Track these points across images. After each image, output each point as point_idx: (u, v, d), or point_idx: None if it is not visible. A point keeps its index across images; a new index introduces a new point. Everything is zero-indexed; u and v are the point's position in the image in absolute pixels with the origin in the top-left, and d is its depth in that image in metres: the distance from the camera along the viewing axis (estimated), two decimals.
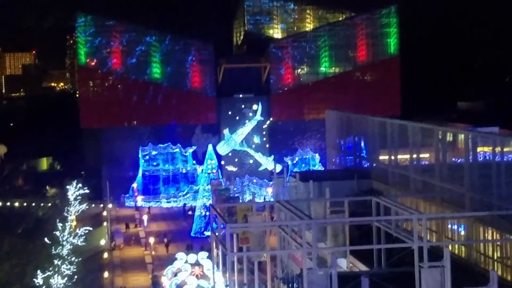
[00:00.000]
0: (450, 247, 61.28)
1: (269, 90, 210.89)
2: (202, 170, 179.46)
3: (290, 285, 72.68)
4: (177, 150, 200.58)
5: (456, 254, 71.22)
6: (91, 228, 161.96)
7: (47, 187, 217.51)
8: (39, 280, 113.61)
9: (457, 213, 75.48)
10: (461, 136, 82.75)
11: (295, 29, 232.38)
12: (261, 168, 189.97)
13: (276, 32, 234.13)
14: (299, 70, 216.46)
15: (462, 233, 77.13)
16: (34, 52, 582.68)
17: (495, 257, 69.16)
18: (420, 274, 54.76)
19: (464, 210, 74.41)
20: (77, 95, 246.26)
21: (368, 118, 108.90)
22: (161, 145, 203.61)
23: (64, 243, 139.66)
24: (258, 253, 79.91)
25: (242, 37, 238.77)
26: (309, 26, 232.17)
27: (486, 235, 71.69)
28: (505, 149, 74.87)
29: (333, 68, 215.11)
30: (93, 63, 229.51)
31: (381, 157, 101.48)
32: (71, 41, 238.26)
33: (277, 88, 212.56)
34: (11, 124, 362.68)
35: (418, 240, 61.24)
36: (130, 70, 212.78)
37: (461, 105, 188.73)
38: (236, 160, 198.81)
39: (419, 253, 58.20)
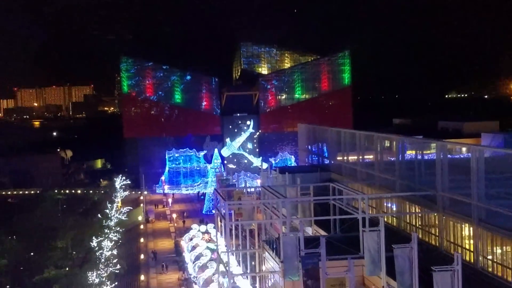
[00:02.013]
0: (385, 219, 62.63)
1: (258, 111, 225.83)
2: (210, 167, 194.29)
3: (271, 245, 71.16)
4: (193, 153, 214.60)
5: (388, 223, 73.73)
6: (131, 208, 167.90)
7: (101, 180, 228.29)
8: (94, 243, 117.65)
9: (389, 194, 77.22)
10: (394, 141, 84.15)
11: (277, 67, 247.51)
12: (252, 166, 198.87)
13: (263, 70, 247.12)
14: (280, 96, 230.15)
15: (394, 208, 79.17)
16: (92, 85, 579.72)
17: (417, 225, 71.63)
18: (363, 237, 55.57)
19: (394, 192, 75.64)
20: (121, 115, 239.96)
21: (328, 129, 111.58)
22: (181, 150, 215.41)
23: (112, 218, 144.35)
24: (249, 223, 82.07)
25: (239, 73, 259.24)
26: (287, 65, 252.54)
27: (410, 209, 73.52)
28: (424, 152, 78.72)
29: (304, 95, 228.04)
30: (133, 93, 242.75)
31: (337, 157, 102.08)
32: (118, 77, 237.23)
33: (264, 109, 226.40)
34: (76, 136, 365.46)
35: (362, 213, 63.85)
36: (159, 97, 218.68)
37: (395, 121, 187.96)
38: (235, 160, 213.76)
39: (362, 222, 60.21)
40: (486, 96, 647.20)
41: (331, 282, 49.94)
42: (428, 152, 78.99)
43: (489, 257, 55.67)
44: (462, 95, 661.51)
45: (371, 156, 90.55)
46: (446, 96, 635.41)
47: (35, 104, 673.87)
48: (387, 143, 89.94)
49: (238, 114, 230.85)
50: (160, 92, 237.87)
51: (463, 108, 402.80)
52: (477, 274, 53.35)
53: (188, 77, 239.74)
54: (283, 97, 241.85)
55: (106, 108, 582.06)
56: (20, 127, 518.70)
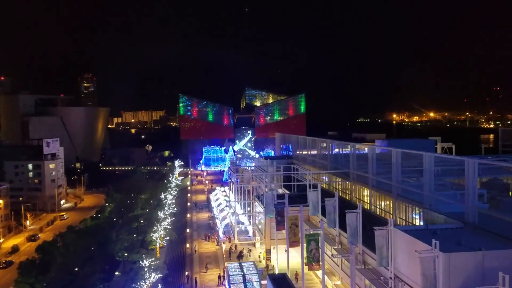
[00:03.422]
0: (321, 185, 62.19)
1: (254, 125, 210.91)
2: (227, 156, 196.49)
3: (259, 198, 70.53)
4: (218, 148, 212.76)
5: (323, 187, 71.82)
6: (183, 177, 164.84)
7: (167, 162, 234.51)
8: (162, 196, 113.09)
9: (324, 171, 75.74)
10: (327, 143, 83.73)
11: (265, 102, 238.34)
12: (250, 156, 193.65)
13: (257, 103, 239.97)
14: (266, 118, 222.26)
15: (326, 179, 76.65)
16: (164, 110, 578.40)
17: (338, 188, 69.97)
18: (309, 195, 53.28)
19: (326, 170, 74.97)
20: (179, 127, 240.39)
21: (292, 136, 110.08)
22: (212, 146, 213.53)
23: (172, 183, 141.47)
24: (247, 186, 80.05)
25: (244, 105, 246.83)
26: (270, 100, 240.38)
27: (335, 179, 71.84)
28: (343, 149, 75.82)
29: (279, 117, 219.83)
30: (186, 115, 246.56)
31: (296, 151, 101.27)
32: (178, 106, 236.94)
33: (257, 125, 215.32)
34: (154, 138, 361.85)
35: (308, 181, 63.02)
36: (199, 116, 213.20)
37: (329, 133, 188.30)
38: (241, 152, 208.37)
39: (309, 186, 58.13)
40: (379, 120, 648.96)
41: (291, 218, 48.99)
42: (346, 150, 77.97)
43: (377, 206, 55.62)
44: (366, 120, 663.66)
45: (315, 151, 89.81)
46: (358, 119, 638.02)
47: (132, 120, 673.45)
48: (323, 144, 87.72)
49: (243, 127, 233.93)
50: (200, 114, 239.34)
51: (366, 126, 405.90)
52: (371, 216, 52.95)
53: (216, 107, 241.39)
54: (268, 118, 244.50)
55: (171, 123, 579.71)
56: (124, 133, 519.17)
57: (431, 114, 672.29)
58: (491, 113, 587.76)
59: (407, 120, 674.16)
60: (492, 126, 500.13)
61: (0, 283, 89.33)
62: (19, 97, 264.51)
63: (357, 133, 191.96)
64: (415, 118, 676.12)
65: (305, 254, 42.19)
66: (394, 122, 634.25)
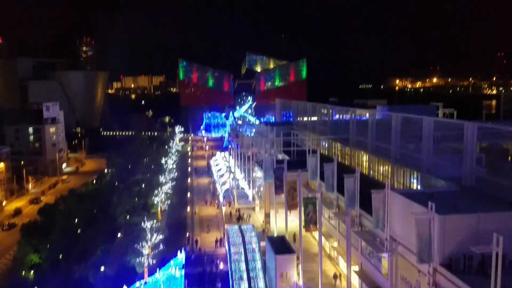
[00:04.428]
0: (321, 150, 61.26)
1: (255, 91, 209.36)
2: (227, 122, 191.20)
3: (258, 163, 70.80)
4: (218, 114, 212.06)
5: (322, 153, 70.92)
6: (184, 143, 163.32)
7: (168, 128, 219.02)
8: (163, 161, 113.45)
9: (324, 136, 76.25)
10: (328, 109, 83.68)
11: (265, 67, 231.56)
12: (251, 122, 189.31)
13: (258, 68, 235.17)
14: (267, 84, 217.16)
15: (326, 145, 76.98)
16: (163, 75, 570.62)
17: (338, 154, 70.18)
18: (308, 160, 53.62)
19: (326, 135, 75.28)
20: (179, 92, 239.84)
21: (293, 102, 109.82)
22: (212, 112, 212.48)
23: (173, 148, 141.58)
24: (247, 151, 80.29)
25: (245, 70, 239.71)
26: (271, 66, 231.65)
27: (335, 145, 72.08)
28: (344, 115, 75.88)
29: (280, 83, 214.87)
30: (186, 80, 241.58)
31: (297, 117, 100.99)
32: (178, 71, 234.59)
33: (258, 90, 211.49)
34: (154, 104, 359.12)
35: (308, 147, 63.17)
36: (200, 82, 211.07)
37: (330, 99, 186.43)
38: (241, 118, 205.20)
39: (308, 152, 58.04)
40: (382, 87, 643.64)
41: (289, 182, 49.45)
42: (346, 115, 77.79)
43: (376, 171, 55.87)
44: (368, 86, 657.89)
45: (315, 117, 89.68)
46: (360, 86, 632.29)
47: (132, 85, 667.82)
48: (324, 110, 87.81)
49: (243, 93, 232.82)
50: (200, 80, 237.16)
51: (369, 93, 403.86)
52: (368, 179, 53.23)
53: (217, 73, 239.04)
54: (269, 84, 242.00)
55: (171, 89, 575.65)
56: (123, 98, 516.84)
57: (434, 80, 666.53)
58: (494, 79, 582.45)
59: (409, 86, 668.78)
60: (495, 92, 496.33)
61: (3, 245, 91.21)
62: (17, 61, 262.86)
63: (358, 99, 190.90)
64: (418, 84, 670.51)
65: (303, 217, 42.73)
66: (396, 88, 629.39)
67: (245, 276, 51.17)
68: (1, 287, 62.25)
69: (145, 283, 56.50)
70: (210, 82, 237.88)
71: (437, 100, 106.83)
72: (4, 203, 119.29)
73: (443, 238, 27.20)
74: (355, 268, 42.71)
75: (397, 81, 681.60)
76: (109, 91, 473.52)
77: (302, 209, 42.91)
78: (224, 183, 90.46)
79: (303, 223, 43.03)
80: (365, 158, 59.85)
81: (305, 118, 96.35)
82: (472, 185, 35.41)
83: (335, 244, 51.10)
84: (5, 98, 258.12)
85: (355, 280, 43.93)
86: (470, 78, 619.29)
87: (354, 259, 43.07)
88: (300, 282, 44.35)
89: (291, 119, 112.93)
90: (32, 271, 68.79)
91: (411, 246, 30.14)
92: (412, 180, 45.67)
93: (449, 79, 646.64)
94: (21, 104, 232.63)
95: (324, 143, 79.38)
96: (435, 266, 28.03)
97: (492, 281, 21.90)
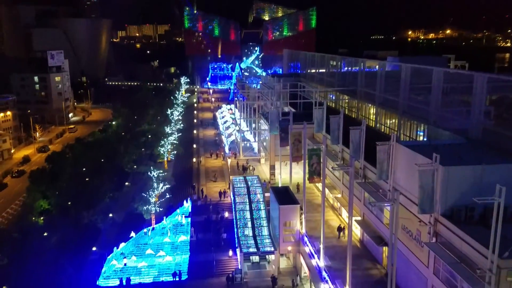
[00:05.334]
0: (328, 103, 61.83)
1: (262, 41, 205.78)
2: (234, 73, 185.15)
3: (264, 115, 70.59)
4: (224, 65, 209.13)
5: (329, 105, 69.61)
6: (189, 94, 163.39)
7: (173, 79, 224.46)
8: (169, 112, 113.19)
9: (331, 88, 74.05)
10: (337, 60, 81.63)
11: (274, 16, 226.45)
12: (258, 74, 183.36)
13: (266, 17, 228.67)
14: (274, 33, 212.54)
15: (333, 97, 75.83)
16: (169, 24, 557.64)
17: (345, 106, 68.83)
18: (314, 112, 53.20)
19: (333, 87, 73.27)
20: (184, 42, 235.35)
21: (301, 52, 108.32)
22: (218, 63, 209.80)
23: (179, 99, 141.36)
24: (253, 103, 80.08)
25: (252, 19, 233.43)
26: (279, 14, 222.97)
27: (342, 97, 70.63)
28: (353, 67, 73.58)
29: (288, 33, 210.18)
30: (191, 28, 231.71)
31: (304, 68, 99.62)
32: (183, 20, 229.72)
33: (266, 40, 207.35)
34: (160, 53, 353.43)
35: (314, 99, 61.82)
36: (205, 31, 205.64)
37: (339, 50, 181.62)
38: (248, 70, 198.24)
39: (314, 104, 57.02)
40: (394, 38, 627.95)
41: (294, 134, 49.24)
42: (356, 67, 76.19)
43: (383, 123, 55.18)
44: (380, 37, 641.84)
45: (323, 69, 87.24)
46: (371, 37, 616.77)
47: (137, 34, 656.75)
48: (332, 61, 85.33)
49: (250, 43, 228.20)
50: (206, 28, 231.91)
51: (380, 44, 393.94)
52: (374, 132, 52.64)
53: (223, 21, 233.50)
54: (276, 34, 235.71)
55: (177, 38, 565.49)
56: (128, 47, 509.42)
57: (447, 32, 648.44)
58: (509, 31, 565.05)
59: (422, 37, 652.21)
60: (509, 44, 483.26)
61: (13, 191, 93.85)
62: (19, 8, 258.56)
63: (368, 50, 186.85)
64: (431, 36, 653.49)
65: (307, 169, 42.85)
66: (409, 39, 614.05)
67: (249, 224, 52.61)
68: (12, 231, 64.47)
69: (153, 229, 58.26)
70: (216, 31, 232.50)
71: (450, 52, 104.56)
72: (12, 150, 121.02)
73: (446, 189, 27.34)
74: (357, 218, 43.56)
75: (410, 32, 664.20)
76: (114, 40, 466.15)
77: (307, 160, 43.00)
78: (229, 135, 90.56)
79: (307, 175, 43.18)
80: (372, 111, 59.08)
81: (313, 70, 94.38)
82: (479, 137, 35.08)
83: (339, 195, 51.44)
84: (9, 46, 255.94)
85: (357, 230, 45.17)
86: (484, 30, 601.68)
87: (357, 209, 43.96)
88: (303, 231, 45.56)
89: (299, 71, 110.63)
90: (41, 217, 70.95)
91: (413, 198, 30.42)
92: (419, 133, 45.26)
93: (463, 31, 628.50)
94: (25, 52, 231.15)
95: (331, 96, 78.15)
96: (436, 216, 28.39)
97: (492, 231, 22.07)
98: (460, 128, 36.79)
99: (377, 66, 62.19)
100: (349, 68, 75.24)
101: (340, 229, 46.09)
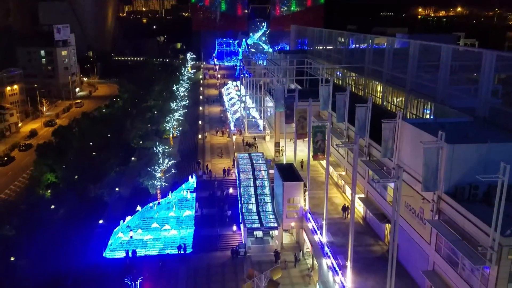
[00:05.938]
0: (334, 80, 61.47)
1: (269, 17, 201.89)
2: (240, 50, 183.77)
3: (270, 92, 70.26)
4: (231, 41, 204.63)
5: (336, 82, 70.29)
6: (195, 70, 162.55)
7: (179, 54, 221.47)
8: (174, 88, 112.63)
9: (338, 65, 73.83)
10: (344, 37, 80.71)
11: None
12: (264, 50, 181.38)
13: None
14: (282, 9, 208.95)
15: (340, 74, 75.24)
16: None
17: (351, 83, 68.66)
18: (320, 89, 52.67)
19: (340, 64, 72.93)
20: (191, 17, 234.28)
21: (309, 28, 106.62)
22: (225, 39, 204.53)
23: (185, 75, 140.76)
24: (259, 79, 79.81)
25: None
26: None
27: (350, 74, 70.18)
28: (361, 45, 73.09)
29: (296, 8, 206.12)
30: (198, 3, 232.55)
31: (312, 45, 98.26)
32: None
33: (273, 16, 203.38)
34: (166, 28, 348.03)
35: (321, 76, 61.63)
36: (212, 6, 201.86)
37: (348, 26, 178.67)
38: (254, 46, 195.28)
39: (321, 81, 57.26)
40: (404, 15, 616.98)
41: (299, 111, 48.82)
42: (364, 44, 75.03)
43: (390, 101, 54.85)
44: (390, 14, 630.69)
45: (331, 46, 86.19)
46: (381, 13, 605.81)
47: (144, 8, 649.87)
48: (340, 38, 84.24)
49: (258, 19, 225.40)
50: (213, 4, 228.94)
51: (390, 21, 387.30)
52: (381, 110, 52.46)
53: None
54: (284, 9, 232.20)
55: (183, 13, 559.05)
56: (135, 22, 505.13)
57: (458, 9, 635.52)
58: None
59: (432, 15, 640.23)
60: None
61: (20, 164, 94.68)
62: None
63: (377, 27, 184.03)
64: (441, 13, 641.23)
65: (311, 146, 42.75)
66: (419, 17, 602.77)
67: (253, 200, 53.03)
68: (20, 204, 65.45)
69: (158, 203, 58.91)
70: (223, 6, 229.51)
71: (460, 30, 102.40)
72: (19, 124, 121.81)
73: (451, 167, 27.29)
74: (361, 196, 43.75)
75: (420, 10, 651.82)
76: (120, 14, 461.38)
77: (311, 137, 42.90)
78: (235, 112, 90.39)
79: (311, 152, 43.24)
80: (379, 88, 58.57)
81: (320, 46, 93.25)
82: (486, 116, 34.83)
83: (343, 173, 51.42)
84: (15, 19, 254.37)
85: (360, 208, 45.39)
86: (496, 9, 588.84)
87: (360, 187, 44.11)
88: (306, 208, 45.82)
89: (306, 47, 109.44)
90: (49, 190, 71.80)
91: (417, 176, 30.41)
92: (425, 111, 45.02)
93: (474, 8, 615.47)
94: (32, 26, 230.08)
95: (338, 73, 77.40)
96: (439, 194, 28.40)
97: (495, 209, 22.12)
98: (467, 106, 36.48)
99: (385, 43, 61.35)
100: (357, 45, 74.40)
101: (344, 208, 46.10)
